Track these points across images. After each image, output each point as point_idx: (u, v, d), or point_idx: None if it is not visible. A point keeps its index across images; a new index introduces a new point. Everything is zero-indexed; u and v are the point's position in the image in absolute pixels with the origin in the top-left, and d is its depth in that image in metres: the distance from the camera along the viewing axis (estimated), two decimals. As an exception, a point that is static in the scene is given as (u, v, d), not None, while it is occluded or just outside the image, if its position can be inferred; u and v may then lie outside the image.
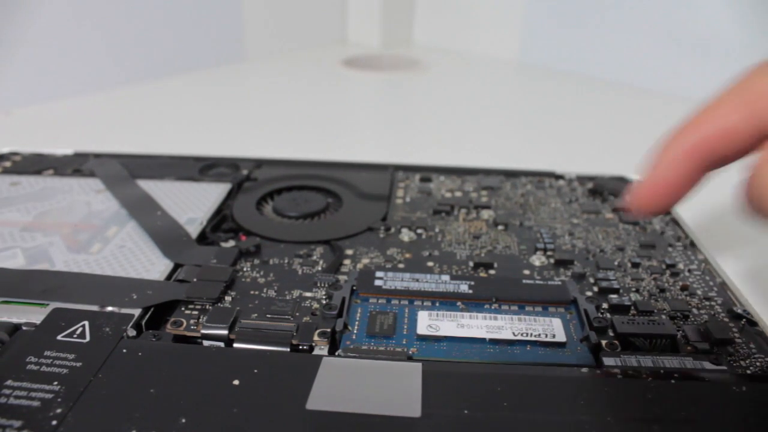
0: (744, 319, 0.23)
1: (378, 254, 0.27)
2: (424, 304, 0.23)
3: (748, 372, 0.20)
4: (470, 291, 0.24)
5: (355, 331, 0.21)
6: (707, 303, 0.24)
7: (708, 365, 0.20)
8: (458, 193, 0.33)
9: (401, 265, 0.26)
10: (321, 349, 0.20)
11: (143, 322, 0.21)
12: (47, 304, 0.22)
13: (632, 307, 0.23)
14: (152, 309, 0.22)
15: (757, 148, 0.16)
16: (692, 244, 0.29)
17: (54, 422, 0.16)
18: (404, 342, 0.21)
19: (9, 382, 0.18)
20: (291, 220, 0.30)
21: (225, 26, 0.79)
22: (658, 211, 0.19)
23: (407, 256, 0.27)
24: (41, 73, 0.63)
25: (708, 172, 0.18)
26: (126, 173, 0.33)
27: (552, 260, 0.27)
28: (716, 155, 0.17)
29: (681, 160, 0.17)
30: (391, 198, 0.33)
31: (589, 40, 0.76)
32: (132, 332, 0.20)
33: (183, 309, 0.22)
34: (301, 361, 0.19)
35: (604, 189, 0.34)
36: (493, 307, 0.23)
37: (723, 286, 0.25)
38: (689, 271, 0.26)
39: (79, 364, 0.18)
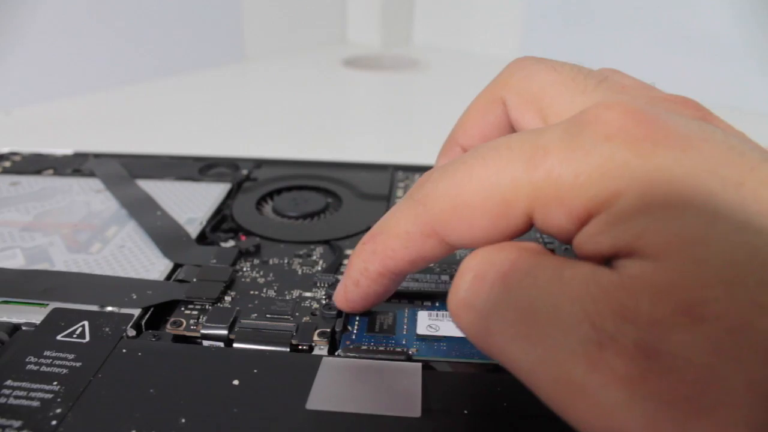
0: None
1: (378, 254, 0.27)
2: (424, 304, 0.23)
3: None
4: (470, 291, 0.24)
5: (354, 331, 0.21)
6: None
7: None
8: (458, 193, 0.33)
9: (401, 265, 0.26)
10: (321, 349, 0.20)
11: (143, 322, 0.21)
12: (47, 304, 0.22)
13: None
14: (152, 309, 0.22)
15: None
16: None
17: (54, 422, 0.16)
18: (404, 342, 0.21)
19: (9, 382, 0.18)
20: (291, 220, 0.30)
21: (225, 26, 0.80)
22: (363, 311, 0.20)
23: (407, 256, 0.27)
24: (41, 73, 0.63)
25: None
26: (126, 173, 0.33)
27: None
28: (410, 271, 0.18)
29: (375, 279, 0.18)
30: (391, 198, 0.33)
31: (589, 40, 0.76)
32: (132, 332, 0.20)
33: (183, 309, 0.22)
34: (301, 361, 0.19)
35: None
36: (493, 307, 0.23)
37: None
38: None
39: (78, 364, 0.18)
